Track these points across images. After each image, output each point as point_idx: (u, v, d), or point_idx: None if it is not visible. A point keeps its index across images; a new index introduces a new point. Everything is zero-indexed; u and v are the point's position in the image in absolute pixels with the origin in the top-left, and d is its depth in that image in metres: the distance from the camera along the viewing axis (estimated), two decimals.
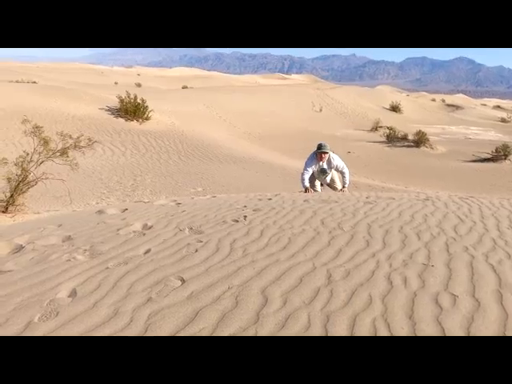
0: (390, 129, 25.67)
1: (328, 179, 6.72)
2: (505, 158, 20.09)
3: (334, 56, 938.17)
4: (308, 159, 6.51)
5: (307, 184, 6.29)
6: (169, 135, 18.08)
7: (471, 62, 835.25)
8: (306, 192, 6.12)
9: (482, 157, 21.24)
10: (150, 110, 19.35)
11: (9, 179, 7.40)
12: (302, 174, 6.39)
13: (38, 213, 7.69)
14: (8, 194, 7.51)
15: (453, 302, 2.48)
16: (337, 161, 6.49)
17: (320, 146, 6.36)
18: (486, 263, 3.05)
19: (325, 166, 6.44)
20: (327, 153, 6.36)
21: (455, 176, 18.13)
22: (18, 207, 7.63)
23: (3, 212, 7.49)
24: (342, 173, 6.56)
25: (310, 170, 6.41)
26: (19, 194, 7.60)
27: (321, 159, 6.38)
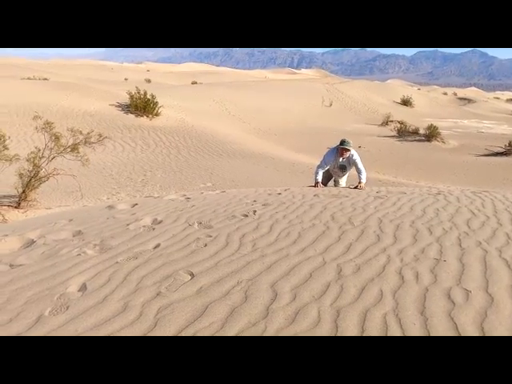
0: (401, 123, 25.41)
1: (344, 179, 6.46)
2: None
3: (343, 50, 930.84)
4: (327, 154, 6.25)
5: (319, 178, 6.04)
6: (178, 131, 18.11)
7: (484, 54, 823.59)
8: (315, 186, 5.97)
9: (495, 151, 20.92)
10: (159, 105, 19.39)
11: (21, 175, 7.46)
12: (318, 167, 6.17)
13: (50, 208, 7.76)
14: (20, 190, 7.58)
15: (465, 298, 2.44)
16: (357, 160, 6.19)
17: (343, 142, 6.07)
18: (499, 258, 3.00)
19: (344, 163, 6.20)
20: (349, 150, 6.07)
21: (467, 170, 17.91)
22: (30, 203, 7.69)
23: (16, 207, 7.56)
24: (358, 170, 6.17)
25: (327, 167, 6.20)
26: (31, 190, 7.66)
27: (341, 155, 6.11)
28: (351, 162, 6.19)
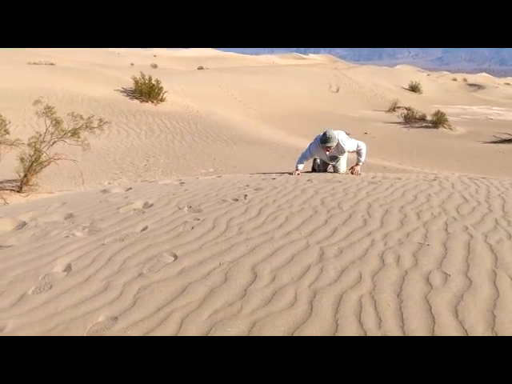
0: (408, 109, 25.15)
1: (343, 164, 5.94)
2: None
3: None
4: (312, 144, 5.72)
5: (300, 166, 5.61)
6: (183, 116, 18.10)
7: None
8: (294, 173, 5.46)
9: (503, 138, 20.67)
10: (164, 91, 19.36)
11: (22, 159, 7.54)
12: (302, 155, 5.75)
13: (52, 192, 7.84)
14: (22, 174, 7.67)
15: (444, 281, 2.46)
16: (348, 145, 5.65)
17: (325, 140, 5.47)
18: (484, 243, 3.01)
19: (335, 154, 5.71)
20: (333, 145, 5.54)
21: (474, 157, 17.73)
22: (31, 187, 7.78)
23: (18, 192, 7.66)
24: (358, 152, 5.71)
25: (311, 157, 5.86)
26: (32, 174, 7.74)
27: (327, 151, 5.60)
28: (341, 150, 5.68)
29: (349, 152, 5.80)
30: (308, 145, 5.88)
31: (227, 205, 3.73)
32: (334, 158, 5.83)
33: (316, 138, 5.74)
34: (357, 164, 5.71)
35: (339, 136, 5.64)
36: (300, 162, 5.71)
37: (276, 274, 2.47)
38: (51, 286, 2.30)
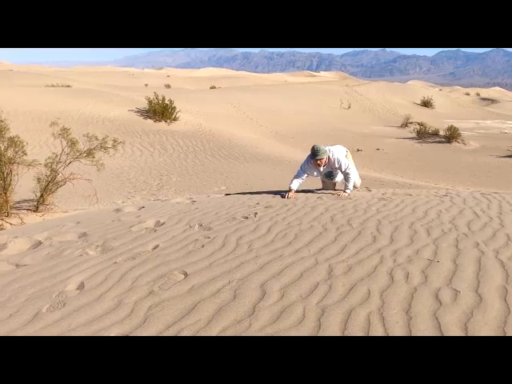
0: (421, 124, 25.10)
1: (339, 179, 5.55)
2: None
3: (363, 52, 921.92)
4: (304, 162, 5.54)
5: (293, 187, 5.31)
6: (196, 135, 18.35)
7: (508, 53, 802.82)
8: (287, 195, 5.15)
9: None
10: (177, 110, 19.70)
11: (39, 179, 7.72)
12: (294, 176, 5.49)
13: (67, 211, 7.99)
14: (38, 194, 7.84)
15: (454, 298, 2.45)
16: (338, 161, 5.33)
17: (313, 154, 5.27)
18: (495, 259, 2.99)
19: (328, 169, 5.43)
20: (323, 158, 5.29)
21: (489, 172, 17.56)
22: (47, 206, 7.94)
23: (34, 211, 7.82)
24: (345, 174, 5.35)
25: (305, 175, 5.49)
26: (48, 194, 7.91)
27: (319, 165, 5.35)
28: (335, 166, 5.37)
29: (340, 169, 5.39)
30: (301, 165, 5.66)
31: (237, 223, 3.77)
32: (330, 175, 5.53)
33: (307, 157, 5.54)
34: (344, 191, 5.29)
35: (332, 151, 5.43)
36: (292, 182, 5.41)
37: (285, 291, 2.49)
38: (64, 304, 2.36)
